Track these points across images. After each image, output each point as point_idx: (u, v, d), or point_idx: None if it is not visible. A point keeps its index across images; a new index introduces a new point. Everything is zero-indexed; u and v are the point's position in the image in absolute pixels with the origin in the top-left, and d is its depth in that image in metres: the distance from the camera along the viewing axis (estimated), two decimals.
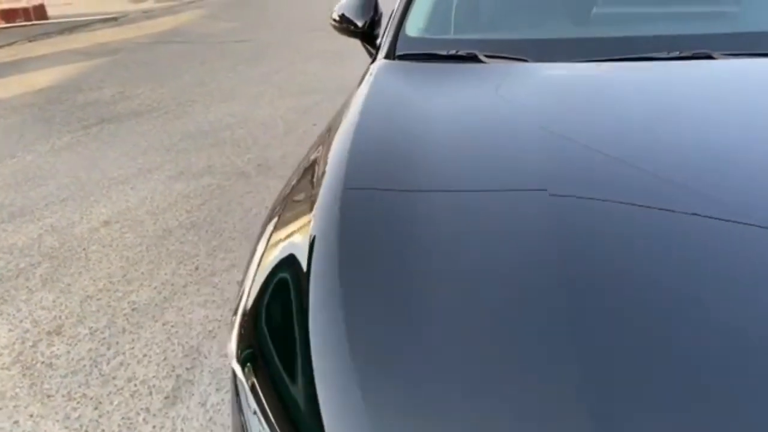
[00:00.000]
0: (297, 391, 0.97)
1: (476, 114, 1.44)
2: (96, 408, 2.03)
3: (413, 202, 1.20)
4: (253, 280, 1.18)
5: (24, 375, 2.22)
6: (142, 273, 2.80)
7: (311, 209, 1.25)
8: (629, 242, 1.03)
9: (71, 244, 3.11)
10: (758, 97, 1.33)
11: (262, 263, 1.21)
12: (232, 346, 1.12)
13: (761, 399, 0.78)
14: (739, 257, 0.98)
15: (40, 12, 10.93)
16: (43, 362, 2.28)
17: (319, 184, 1.30)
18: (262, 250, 1.25)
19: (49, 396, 2.11)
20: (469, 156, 1.29)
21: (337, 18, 2.16)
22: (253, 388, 1.03)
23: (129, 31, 9.54)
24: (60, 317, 2.53)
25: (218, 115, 4.98)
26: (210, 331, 2.36)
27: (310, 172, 1.46)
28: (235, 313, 1.18)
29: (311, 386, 0.93)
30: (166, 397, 2.05)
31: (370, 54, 2.03)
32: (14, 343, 2.39)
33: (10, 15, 10.62)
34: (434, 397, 0.86)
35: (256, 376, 1.04)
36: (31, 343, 2.39)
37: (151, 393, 2.08)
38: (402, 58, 1.76)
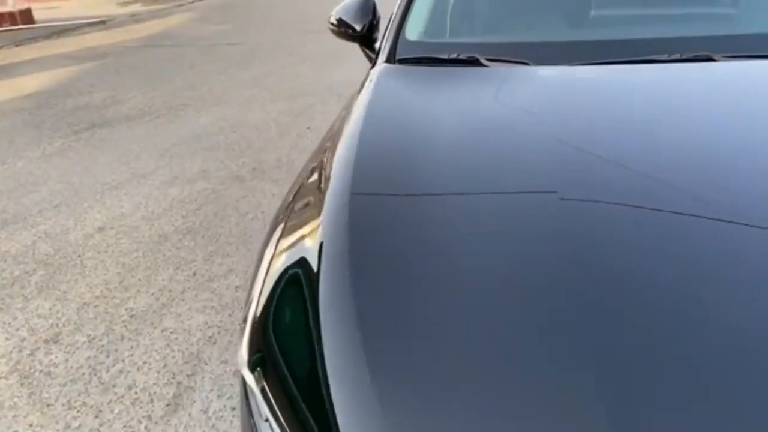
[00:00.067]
0: (310, 397, 0.96)
1: (481, 118, 1.44)
2: (97, 416, 2.02)
3: (421, 207, 1.20)
4: (262, 287, 1.18)
5: (22, 384, 2.20)
6: (139, 279, 2.78)
7: (318, 215, 1.25)
8: (638, 245, 1.04)
9: (66, 251, 3.08)
10: (761, 99, 1.35)
11: (270, 269, 1.21)
12: (243, 352, 1.12)
13: (763, 399, 0.79)
14: (747, 259, 1.00)
15: (26, 16, 10.84)
16: (41, 371, 2.26)
17: (325, 190, 1.30)
18: (270, 256, 1.25)
19: (48, 405, 2.09)
20: (476, 160, 1.29)
21: (335, 22, 2.15)
22: (264, 395, 1.03)
23: (117, 34, 9.48)
24: (57, 325, 2.51)
25: (211, 119, 4.96)
26: (210, 337, 2.35)
27: (314, 178, 1.46)
28: (245, 319, 1.17)
29: (325, 391, 0.93)
30: (167, 405, 2.04)
31: (369, 58, 2.03)
32: (11, 352, 2.37)
33: None
34: (450, 400, 0.86)
35: (267, 382, 1.03)
36: (28, 352, 2.36)
37: (152, 400, 2.06)
38: (402, 62, 1.76)
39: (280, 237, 1.29)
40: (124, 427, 1.97)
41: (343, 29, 2.13)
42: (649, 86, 1.44)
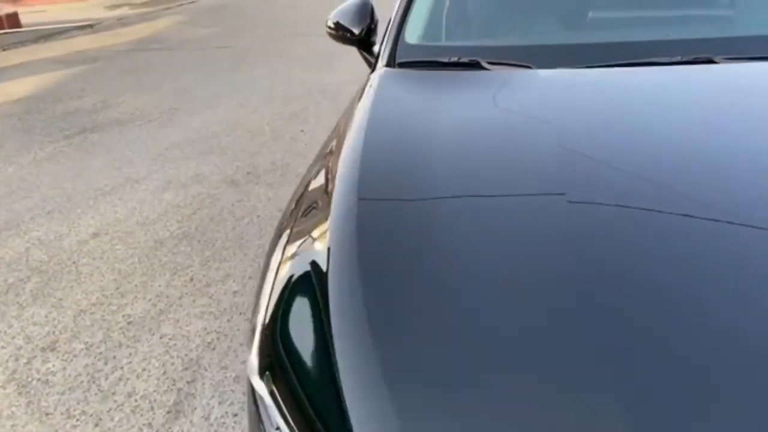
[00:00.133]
0: (323, 404, 0.96)
1: (485, 121, 1.44)
2: (97, 425, 2.00)
3: (429, 210, 1.20)
4: (271, 293, 1.18)
5: (20, 393, 2.17)
6: (136, 285, 2.76)
7: (325, 220, 1.25)
8: (644, 246, 1.05)
9: (60, 258, 3.06)
10: (763, 101, 1.36)
11: (278, 276, 1.21)
12: (252, 359, 1.11)
13: (764, 400, 0.80)
14: (749, 260, 1.01)
15: (13, 20, 10.74)
16: (38, 379, 2.23)
17: (331, 195, 1.30)
18: (277, 262, 1.24)
19: (47, 414, 2.07)
20: (481, 162, 1.30)
21: (332, 25, 2.15)
22: (276, 402, 1.02)
23: (106, 38, 9.42)
24: (54, 333, 2.48)
25: (203, 122, 4.94)
26: (209, 343, 2.34)
27: (318, 183, 1.46)
28: (253, 327, 1.17)
29: (338, 398, 0.93)
30: (168, 412, 2.03)
31: (368, 62, 2.03)
32: (8, 361, 2.34)
33: None
34: (465, 403, 0.87)
35: (278, 390, 1.03)
36: (25, 360, 2.34)
37: (152, 408, 2.05)
38: (402, 65, 1.76)
39: (287, 243, 1.29)
40: None
41: (340, 33, 2.13)
42: (653, 89, 1.45)
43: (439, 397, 0.89)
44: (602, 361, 0.86)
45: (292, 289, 1.17)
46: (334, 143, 1.60)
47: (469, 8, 2.04)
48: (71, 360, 2.31)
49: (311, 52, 6.90)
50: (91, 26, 10.60)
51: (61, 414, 2.06)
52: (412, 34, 1.86)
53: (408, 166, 1.31)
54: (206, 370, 2.20)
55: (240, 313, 2.49)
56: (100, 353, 2.34)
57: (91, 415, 2.04)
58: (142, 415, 2.02)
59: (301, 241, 1.28)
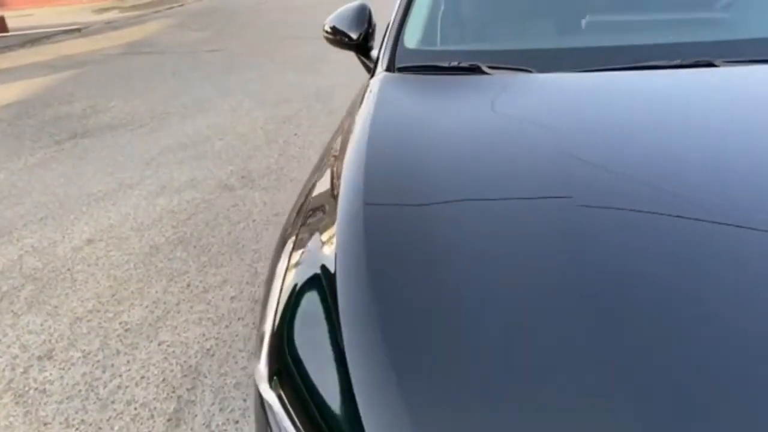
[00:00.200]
0: (336, 411, 0.96)
1: (488, 126, 1.45)
2: None
3: (435, 215, 1.21)
4: (278, 301, 1.17)
5: (17, 403, 2.15)
6: (132, 292, 2.74)
7: (330, 226, 1.25)
8: (650, 249, 1.06)
9: (55, 265, 3.03)
10: (765, 104, 1.37)
11: (285, 283, 1.20)
12: (261, 368, 1.10)
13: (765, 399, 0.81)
14: (751, 261, 1.02)
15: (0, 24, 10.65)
16: (36, 388, 2.21)
17: (336, 201, 1.30)
18: (284, 269, 1.24)
19: (45, 424, 2.04)
20: (485, 166, 1.30)
21: (330, 30, 2.14)
22: (285, 410, 1.02)
23: (95, 42, 9.36)
24: (50, 341, 2.46)
25: (196, 127, 4.91)
26: (208, 350, 2.32)
27: (322, 189, 1.45)
28: (261, 335, 1.16)
29: (351, 405, 0.92)
30: (168, 420, 2.01)
31: (366, 67, 2.02)
32: (4, 370, 2.32)
33: None
34: (478, 408, 0.87)
35: (288, 398, 1.03)
36: (21, 370, 2.31)
37: (152, 416, 2.03)
38: (402, 70, 1.76)
39: (292, 250, 1.28)
40: None
41: (338, 37, 2.12)
42: (655, 92, 1.46)
43: (453, 405, 0.89)
44: (608, 363, 0.87)
45: (299, 297, 1.16)
46: (335, 150, 1.59)
47: (468, 12, 2.04)
48: (68, 368, 2.29)
49: (302, 55, 6.89)
50: (79, 30, 10.53)
51: (60, 423, 2.04)
52: (411, 39, 1.85)
53: (413, 171, 1.31)
54: (206, 376, 2.19)
55: (238, 319, 2.48)
56: (98, 361, 2.32)
57: (91, 425, 2.02)
58: (142, 424, 2.01)
59: (306, 248, 1.27)
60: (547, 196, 1.19)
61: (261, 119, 4.93)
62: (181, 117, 5.20)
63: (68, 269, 2.98)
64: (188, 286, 2.75)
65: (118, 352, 2.36)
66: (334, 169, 1.45)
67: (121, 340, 2.42)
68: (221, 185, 3.78)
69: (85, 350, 2.38)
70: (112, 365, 2.29)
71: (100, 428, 2.00)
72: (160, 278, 2.83)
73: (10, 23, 10.87)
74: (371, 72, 1.86)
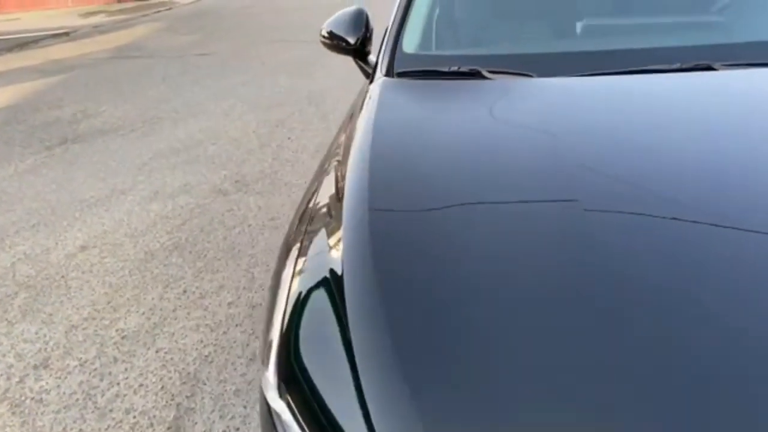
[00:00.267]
0: (348, 420, 0.95)
1: (490, 131, 1.45)
2: None
3: (442, 219, 1.21)
4: (285, 309, 1.16)
5: (13, 413, 2.13)
6: (128, 299, 2.72)
7: (335, 233, 1.25)
8: (655, 252, 1.07)
9: (48, 272, 3.00)
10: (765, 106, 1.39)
11: (291, 291, 1.20)
12: (270, 377, 1.10)
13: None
14: (752, 263, 1.04)
15: None
16: (32, 398, 2.19)
17: (340, 208, 1.30)
18: (290, 277, 1.23)
19: None
20: (489, 171, 1.31)
21: (326, 34, 2.13)
22: (296, 419, 1.01)
23: (83, 46, 9.30)
24: (45, 349, 2.44)
25: (188, 131, 4.89)
26: (206, 356, 2.31)
27: (325, 196, 1.45)
28: (268, 343, 1.15)
29: (363, 414, 0.92)
30: (168, 428, 2.00)
31: (364, 72, 2.02)
32: None
33: None
34: (494, 418, 0.87)
35: (297, 406, 1.02)
36: (17, 379, 2.29)
37: (152, 424, 2.02)
38: (402, 75, 1.76)
39: (297, 257, 1.28)
40: None
41: (335, 42, 2.12)
42: (656, 95, 1.47)
43: (466, 414, 0.89)
44: (619, 369, 0.88)
45: (307, 304, 1.16)
46: (337, 156, 1.59)
47: (466, 16, 2.05)
48: (65, 377, 2.27)
49: (293, 59, 6.88)
50: (67, 34, 10.45)
51: None
52: (410, 44, 1.86)
53: (419, 176, 1.32)
54: (205, 383, 2.17)
55: (236, 325, 2.47)
56: (95, 369, 2.30)
57: None
58: None
59: (312, 254, 1.27)
60: (552, 200, 1.20)
61: (253, 123, 4.91)
62: (172, 121, 5.18)
63: (62, 276, 2.95)
64: (184, 292, 2.73)
65: (116, 359, 2.34)
66: (338, 173, 1.44)
67: (118, 348, 2.40)
68: (215, 190, 3.76)
69: (81, 358, 2.36)
70: (110, 373, 2.27)
71: None
72: (155, 285, 2.81)
73: None
74: (370, 77, 1.86)
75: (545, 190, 1.22)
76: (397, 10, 1.95)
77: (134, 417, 2.05)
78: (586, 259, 1.05)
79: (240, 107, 5.37)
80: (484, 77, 1.64)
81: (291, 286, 1.21)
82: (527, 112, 1.50)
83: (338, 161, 1.52)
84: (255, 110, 5.23)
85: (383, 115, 1.55)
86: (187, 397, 2.12)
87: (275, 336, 1.13)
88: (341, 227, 1.24)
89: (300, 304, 1.16)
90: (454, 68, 1.68)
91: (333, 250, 1.22)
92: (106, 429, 2.01)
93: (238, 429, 1.96)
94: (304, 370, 1.06)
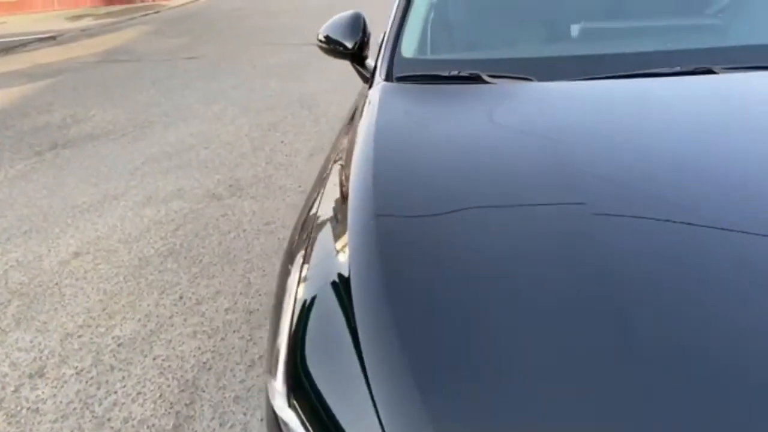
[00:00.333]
0: (362, 428, 0.95)
1: (494, 135, 1.45)
2: None
3: (448, 224, 1.21)
4: (292, 316, 1.16)
5: (9, 423, 2.10)
6: (123, 306, 2.70)
7: (340, 239, 1.25)
8: (661, 256, 1.08)
9: (41, 279, 2.97)
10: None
11: (297, 298, 1.19)
12: (278, 386, 1.09)
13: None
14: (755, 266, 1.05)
15: None
16: (28, 408, 2.16)
17: (345, 214, 1.29)
18: (295, 283, 1.22)
19: None
20: (495, 175, 1.32)
21: (324, 39, 2.13)
22: (306, 428, 1.01)
23: (70, 50, 9.23)
24: (40, 358, 2.41)
25: (179, 135, 4.86)
26: (204, 363, 2.29)
27: (327, 202, 1.44)
28: (276, 352, 1.14)
29: (375, 424, 0.92)
30: None
31: (362, 76, 2.02)
32: None
33: None
34: (508, 425, 0.87)
35: (307, 416, 1.01)
36: (12, 388, 2.26)
37: None
38: (401, 80, 1.76)
39: (303, 264, 1.27)
40: None
41: (332, 46, 2.11)
42: (658, 99, 1.48)
43: (477, 418, 0.89)
44: (623, 367, 0.89)
45: (314, 311, 1.15)
46: (339, 161, 1.59)
47: (465, 20, 2.05)
48: (61, 386, 2.25)
49: (283, 62, 6.86)
50: (54, 38, 10.37)
51: None
52: (409, 48, 1.85)
53: (424, 181, 1.32)
54: (204, 391, 2.16)
55: (234, 331, 2.45)
56: (92, 378, 2.27)
57: None
58: None
59: (317, 261, 1.26)
60: (559, 203, 1.21)
61: (246, 127, 4.89)
62: (163, 125, 5.14)
63: (56, 283, 2.92)
64: (181, 298, 2.71)
65: (112, 367, 2.32)
66: (342, 178, 1.44)
67: (114, 356, 2.38)
68: (209, 194, 3.74)
69: (77, 367, 2.34)
70: (107, 381, 2.25)
71: None
72: (151, 291, 2.79)
73: None
74: (369, 82, 1.86)
75: (552, 193, 1.22)
76: (395, 15, 1.94)
77: (133, 426, 2.03)
78: (594, 262, 1.06)
79: (231, 111, 5.35)
80: (484, 81, 1.64)
81: (297, 293, 1.20)
82: (530, 116, 1.50)
83: (340, 167, 1.51)
84: (247, 114, 5.21)
85: (385, 120, 1.55)
86: (186, 404, 2.10)
87: (282, 344, 1.12)
88: (346, 233, 1.23)
89: (307, 311, 1.16)
90: (454, 72, 1.68)
91: (339, 256, 1.22)
92: None
93: None
94: (312, 377, 1.05)
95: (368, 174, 1.34)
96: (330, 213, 1.40)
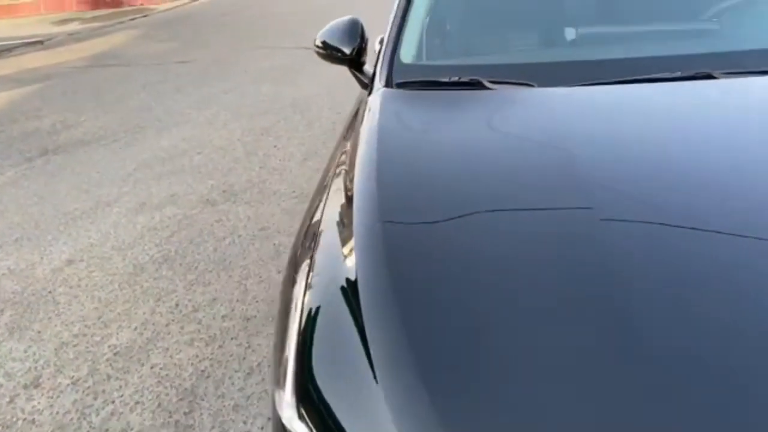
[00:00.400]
0: None
1: (498, 141, 1.46)
2: None
3: (455, 229, 1.22)
4: (300, 326, 1.15)
5: None
6: (119, 314, 2.67)
7: (346, 245, 1.25)
8: (672, 261, 1.08)
9: (35, 288, 2.93)
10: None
11: (304, 308, 1.18)
12: (287, 397, 1.08)
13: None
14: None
15: None
16: (24, 419, 2.13)
17: (350, 221, 1.29)
18: (302, 292, 1.22)
19: None
20: (500, 180, 1.32)
21: (321, 45, 2.12)
22: None
23: (58, 54, 9.15)
24: (35, 368, 2.38)
25: (172, 140, 4.83)
26: (203, 371, 2.27)
27: (330, 211, 1.43)
28: (284, 363, 1.13)
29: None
30: None
31: (361, 82, 2.01)
32: None
33: None
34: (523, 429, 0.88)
35: (318, 428, 1.01)
36: (7, 399, 2.23)
37: None
38: (401, 86, 1.75)
39: (309, 272, 1.26)
40: None
41: (329, 52, 2.10)
42: (660, 104, 1.49)
43: (489, 426, 0.89)
44: (630, 369, 0.90)
45: (322, 320, 1.15)
46: (340, 167, 1.58)
47: (464, 26, 2.05)
48: (57, 396, 2.22)
49: (275, 66, 6.84)
50: (41, 42, 10.28)
51: None
52: (408, 54, 1.85)
53: (430, 186, 1.33)
54: (203, 399, 2.14)
55: (231, 338, 2.44)
56: (88, 387, 2.25)
57: None
58: None
59: (323, 269, 1.26)
60: (567, 207, 1.21)
61: (238, 131, 4.87)
62: (155, 131, 5.11)
63: (49, 292, 2.89)
64: (177, 305, 2.69)
65: (109, 377, 2.29)
66: (345, 184, 1.44)
67: (111, 365, 2.35)
68: (203, 200, 3.71)
69: (73, 376, 2.31)
70: (104, 391, 2.22)
71: None
72: (146, 298, 2.76)
73: None
74: (369, 88, 1.85)
75: (558, 198, 1.23)
76: (394, 20, 1.94)
77: None
78: (600, 266, 1.06)
79: (224, 115, 5.32)
80: (484, 87, 1.64)
81: (303, 302, 1.19)
82: (532, 122, 1.50)
83: (344, 174, 1.51)
84: (239, 118, 5.19)
85: (387, 126, 1.55)
86: (185, 413, 2.08)
87: (291, 354, 1.11)
88: (352, 240, 1.23)
89: (314, 319, 1.15)
90: (455, 78, 1.68)
91: (345, 262, 1.21)
92: None
93: None
94: (322, 388, 1.04)
95: (373, 179, 1.34)
96: (334, 220, 1.39)
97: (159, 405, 2.13)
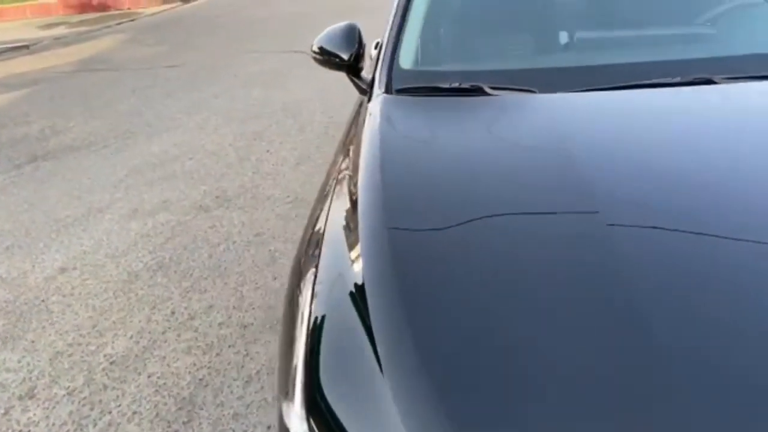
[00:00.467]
0: None
1: (500, 147, 1.46)
2: None
3: (461, 235, 1.22)
4: (307, 335, 1.14)
5: None
6: (114, 322, 2.64)
7: (352, 252, 1.24)
8: (680, 264, 1.10)
9: (27, 296, 2.90)
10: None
11: (311, 316, 1.17)
12: (296, 408, 1.07)
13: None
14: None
15: None
16: (20, 431, 2.10)
17: (355, 229, 1.29)
18: (308, 300, 1.21)
19: None
20: (506, 186, 1.33)
21: (318, 50, 2.11)
22: None
23: (45, 59, 9.06)
24: (30, 378, 2.35)
25: (163, 146, 4.80)
26: (201, 380, 2.25)
27: (334, 218, 1.43)
28: (291, 373, 1.12)
29: None
30: None
31: (359, 88, 2.00)
32: None
33: None
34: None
35: None
36: (2, 411, 2.20)
37: None
38: (401, 92, 1.75)
39: (314, 281, 1.25)
40: None
41: (327, 58, 2.09)
42: (662, 109, 1.50)
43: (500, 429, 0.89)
44: (637, 370, 0.91)
45: (330, 328, 1.14)
46: (343, 173, 1.57)
47: (463, 31, 2.05)
48: (53, 407, 2.19)
49: (265, 70, 6.81)
50: (27, 47, 10.17)
51: None
52: (407, 59, 1.85)
53: (435, 192, 1.34)
54: (201, 408, 2.12)
55: (229, 346, 2.42)
56: (85, 398, 2.22)
57: None
58: None
59: (329, 277, 1.25)
60: (572, 212, 1.22)
61: (230, 136, 4.84)
62: (146, 136, 5.07)
63: (42, 300, 2.85)
64: (173, 313, 2.67)
65: (105, 387, 2.27)
66: (350, 189, 1.43)
67: (107, 374, 2.33)
68: (196, 206, 3.69)
69: (69, 387, 2.28)
70: (101, 401, 2.20)
71: None
72: (142, 306, 2.74)
73: None
74: (368, 94, 1.84)
75: (564, 202, 1.24)
76: (392, 25, 1.94)
77: None
78: (607, 268, 1.07)
79: (215, 120, 5.29)
80: (485, 93, 1.64)
81: (310, 311, 1.18)
82: (535, 128, 1.51)
83: (347, 179, 1.50)
84: (230, 123, 5.16)
85: (389, 132, 1.55)
86: (183, 423, 2.06)
87: (299, 364, 1.10)
88: (358, 247, 1.22)
89: (320, 328, 1.14)
90: (455, 84, 1.68)
91: (352, 270, 1.21)
92: None
93: None
94: (332, 399, 1.04)
95: (377, 185, 1.34)
96: (338, 227, 1.38)
97: (157, 415, 2.11)
